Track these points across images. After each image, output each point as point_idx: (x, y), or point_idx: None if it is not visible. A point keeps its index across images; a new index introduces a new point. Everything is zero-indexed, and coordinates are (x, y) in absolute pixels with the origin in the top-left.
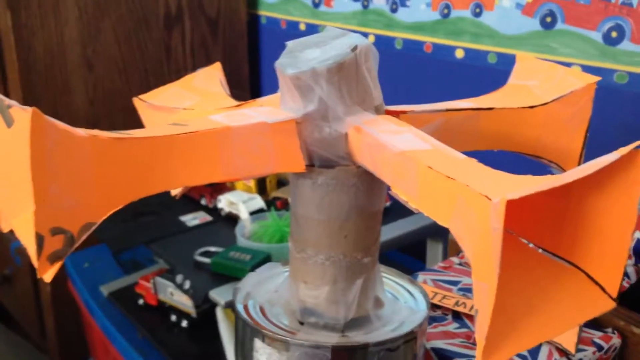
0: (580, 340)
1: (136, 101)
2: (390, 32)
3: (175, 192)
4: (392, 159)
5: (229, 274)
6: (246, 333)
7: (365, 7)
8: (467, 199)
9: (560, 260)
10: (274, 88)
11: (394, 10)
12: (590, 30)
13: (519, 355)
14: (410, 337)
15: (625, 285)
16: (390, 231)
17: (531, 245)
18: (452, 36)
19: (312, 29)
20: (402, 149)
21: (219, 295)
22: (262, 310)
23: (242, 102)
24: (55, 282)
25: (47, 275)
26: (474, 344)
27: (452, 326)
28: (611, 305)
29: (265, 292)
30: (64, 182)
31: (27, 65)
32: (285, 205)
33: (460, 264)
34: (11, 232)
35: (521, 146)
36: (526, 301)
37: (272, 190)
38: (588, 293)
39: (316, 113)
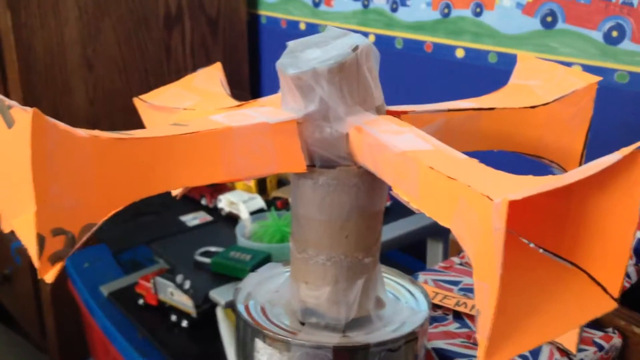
0: (581, 340)
1: (137, 101)
2: (390, 32)
3: (176, 192)
4: (393, 159)
5: (229, 274)
6: (247, 333)
7: (365, 6)
8: (469, 200)
9: (562, 261)
10: (274, 88)
11: (394, 10)
12: (590, 30)
13: (520, 356)
14: (412, 338)
15: (626, 285)
16: (391, 231)
17: (533, 245)
18: (452, 36)
19: (312, 29)
20: (403, 149)
21: (219, 295)
22: (263, 310)
23: (243, 102)
24: (55, 282)
25: (49, 275)
26: (475, 344)
27: (452, 326)
28: (613, 305)
29: (266, 292)
30: (64, 183)
31: (27, 65)
32: (285, 205)
33: (461, 264)
34: (12, 232)
35: (522, 146)
36: (528, 302)
37: (272, 190)
38: (590, 293)
39: (317, 113)
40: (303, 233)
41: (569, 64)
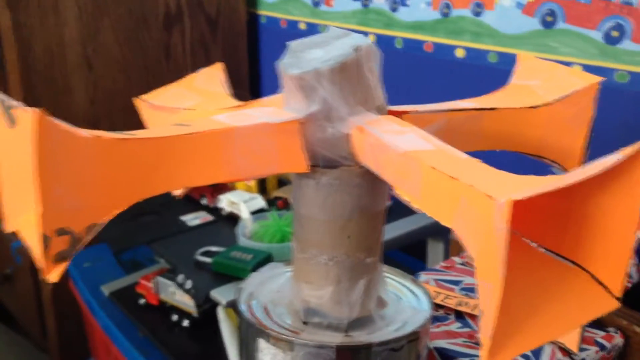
0: (583, 340)
1: (138, 101)
2: (390, 32)
3: (178, 192)
4: (395, 159)
5: (230, 274)
6: (250, 333)
7: (365, 6)
8: (471, 199)
9: (564, 261)
10: (273, 87)
11: (394, 10)
12: (590, 30)
13: (522, 355)
14: (414, 337)
15: (628, 285)
16: (391, 231)
17: (535, 245)
18: (452, 35)
19: (312, 29)
20: (405, 149)
21: (221, 294)
22: (265, 310)
23: (245, 102)
24: (56, 281)
25: (53, 275)
26: (477, 343)
27: (454, 326)
28: (615, 305)
29: (269, 292)
30: (68, 183)
31: (27, 65)
32: (286, 204)
33: (462, 264)
34: (12, 232)
35: (523, 146)
36: (530, 301)
37: (272, 189)
38: (592, 293)
39: (319, 113)
40: (305, 233)
41: (569, 64)
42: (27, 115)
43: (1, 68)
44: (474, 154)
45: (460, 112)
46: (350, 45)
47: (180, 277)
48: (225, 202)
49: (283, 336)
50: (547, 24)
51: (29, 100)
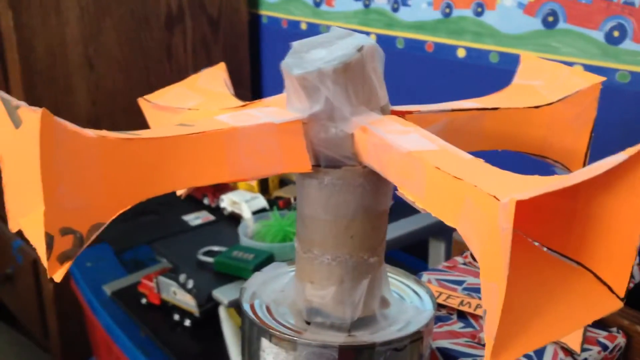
0: (586, 340)
1: (141, 101)
2: (391, 32)
3: (181, 192)
4: (398, 159)
5: (232, 274)
6: (253, 333)
7: (366, 6)
8: (475, 200)
9: (568, 261)
10: (275, 87)
11: (395, 10)
12: (592, 30)
13: (524, 355)
14: (417, 337)
15: (630, 285)
16: (393, 230)
17: (539, 245)
18: (453, 35)
19: (313, 29)
20: (408, 149)
21: (222, 294)
22: (268, 309)
23: (248, 103)
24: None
25: (57, 275)
26: (479, 343)
27: (457, 326)
28: (619, 305)
29: (271, 291)
30: (72, 183)
31: (28, 65)
32: (287, 204)
33: (464, 264)
34: (17, 231)
35: (526, 146)
36: (534, 301)
37: (274, 189)
38: (596, 293)
39: (322, 113)
40: (308, 233)
41: (570, 64)
42: (34, 115)
43: (3, 68)
44: (477, 154)
45: (462, 112)
46: (354, 45)
47: (182, 277)
48: (227, 201)
49: (286, 336)
50: (549, 24)
51: (30, 100)
